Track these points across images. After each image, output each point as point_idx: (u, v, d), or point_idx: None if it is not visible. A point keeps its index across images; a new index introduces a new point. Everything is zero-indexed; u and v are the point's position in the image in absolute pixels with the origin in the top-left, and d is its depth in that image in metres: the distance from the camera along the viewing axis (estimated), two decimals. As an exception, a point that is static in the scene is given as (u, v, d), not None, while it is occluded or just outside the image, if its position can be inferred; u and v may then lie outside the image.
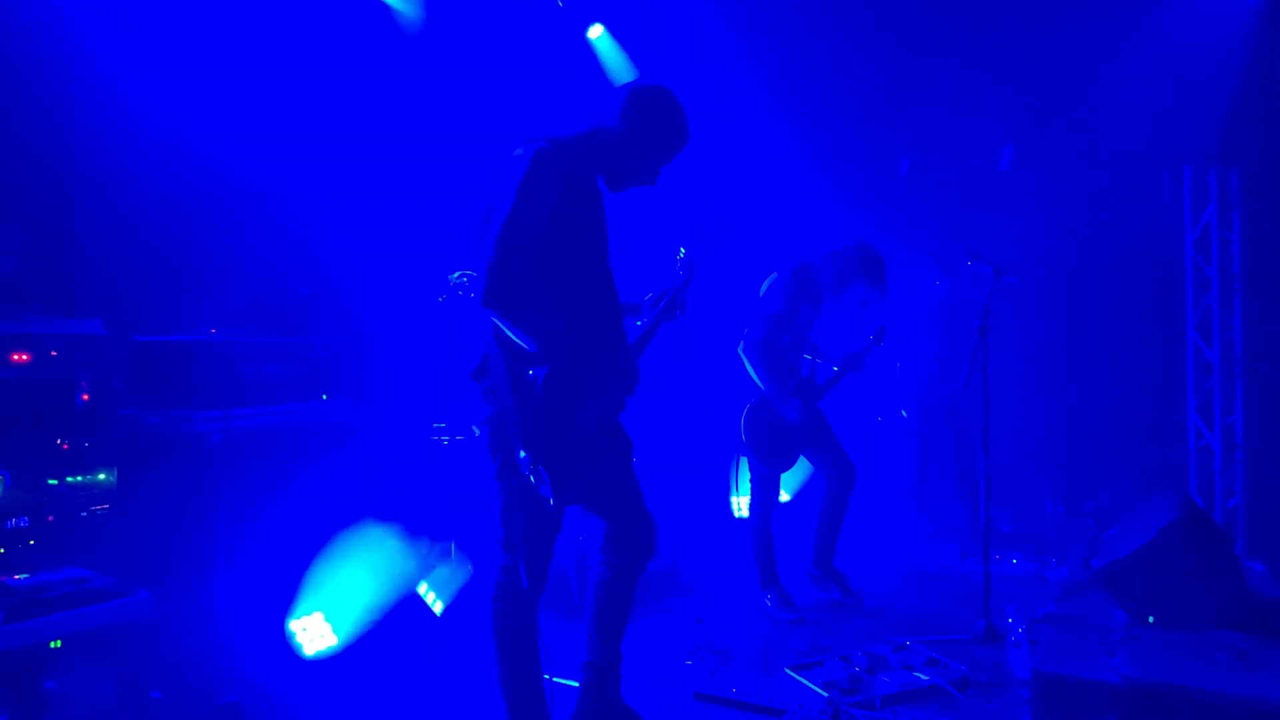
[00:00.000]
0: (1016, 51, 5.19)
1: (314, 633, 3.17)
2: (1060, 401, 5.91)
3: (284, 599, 3.18)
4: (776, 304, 3.80)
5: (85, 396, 3.27)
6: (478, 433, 4.05)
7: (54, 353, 3.18)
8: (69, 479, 3.17)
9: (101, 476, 3.24)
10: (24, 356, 3.05)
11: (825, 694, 2.84)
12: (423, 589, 3.60)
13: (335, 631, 3.23)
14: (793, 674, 3.09)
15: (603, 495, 2.39)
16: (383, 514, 3.68)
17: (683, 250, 2.67)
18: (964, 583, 4.32)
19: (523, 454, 2.13)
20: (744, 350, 3.81)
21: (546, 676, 2.37)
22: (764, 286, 3.89)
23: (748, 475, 3.94)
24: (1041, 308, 5.78)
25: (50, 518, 3.03)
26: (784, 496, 5.17)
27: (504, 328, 2.17)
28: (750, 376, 3.80)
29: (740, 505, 5.37)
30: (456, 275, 4.14)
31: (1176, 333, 5.50)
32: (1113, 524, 4.52)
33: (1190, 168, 5.36)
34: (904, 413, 5.54)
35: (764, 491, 3.88)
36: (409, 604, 3.54)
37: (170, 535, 2.95)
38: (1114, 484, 5.56)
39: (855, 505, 4.11)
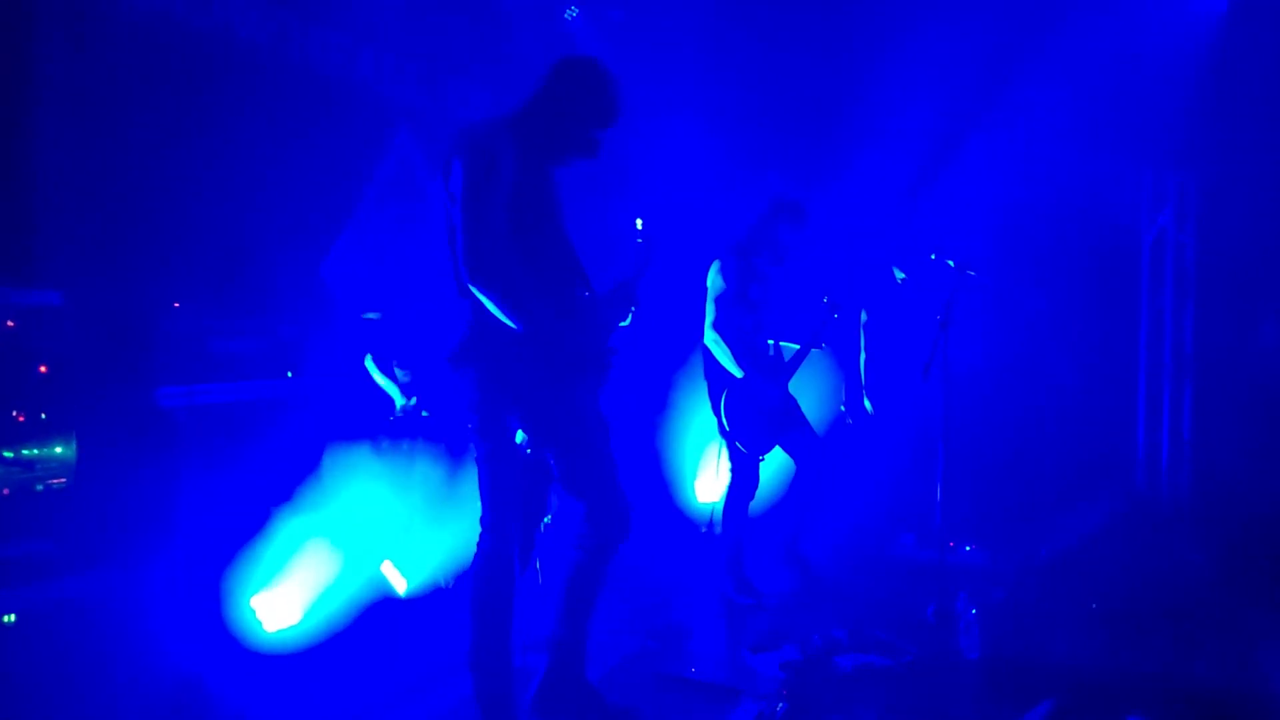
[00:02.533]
0: (985, 53, 5.28)
1: (275, 608, 3.16)
2: (1016, 394, 6.06)
3: (244, 575, 3.16)
4: (724, 286, 3.85)
5: (43, 368, 3.23)
6: (426, 414, 4.08)
7: (10, 323, 3.13)
8: (24, 451, 3.13)
9: (59, 449, 3.20)
10: (-21, 326, 2.99)
11: (783, 675, 2.91)
12: (387, 567, 3.61)
13: (298, 607, 3.23)
14: (751, 655, 3.16)
15: (587, 474, 2.41)
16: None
17: (640, 222, 2.69)
18: (919, 568, 4.44)
19: (524, 433, 2.16)
20: (708, 339, 3.86)
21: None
22: (710, 274, 3.94)
23: (726, 461, 3.98)
24: (1001, 303, 5.92)
25: (4, 491, 2.99)
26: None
27: (490, 304, 2.18)
28: (723, 364, 3.85)
29: (703, 491, 5.45)
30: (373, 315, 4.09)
31: (1130, 331, 5.67)
32: (1062, 514, 4.66)
33: (1150, 172, 5.51)
34: (868, 405, 5.62)
35: (742, 476, 3.94)
36: (373, 575, 3.55)
37: (132, 510, 2.92)
38: (1066, 475, 5.72)
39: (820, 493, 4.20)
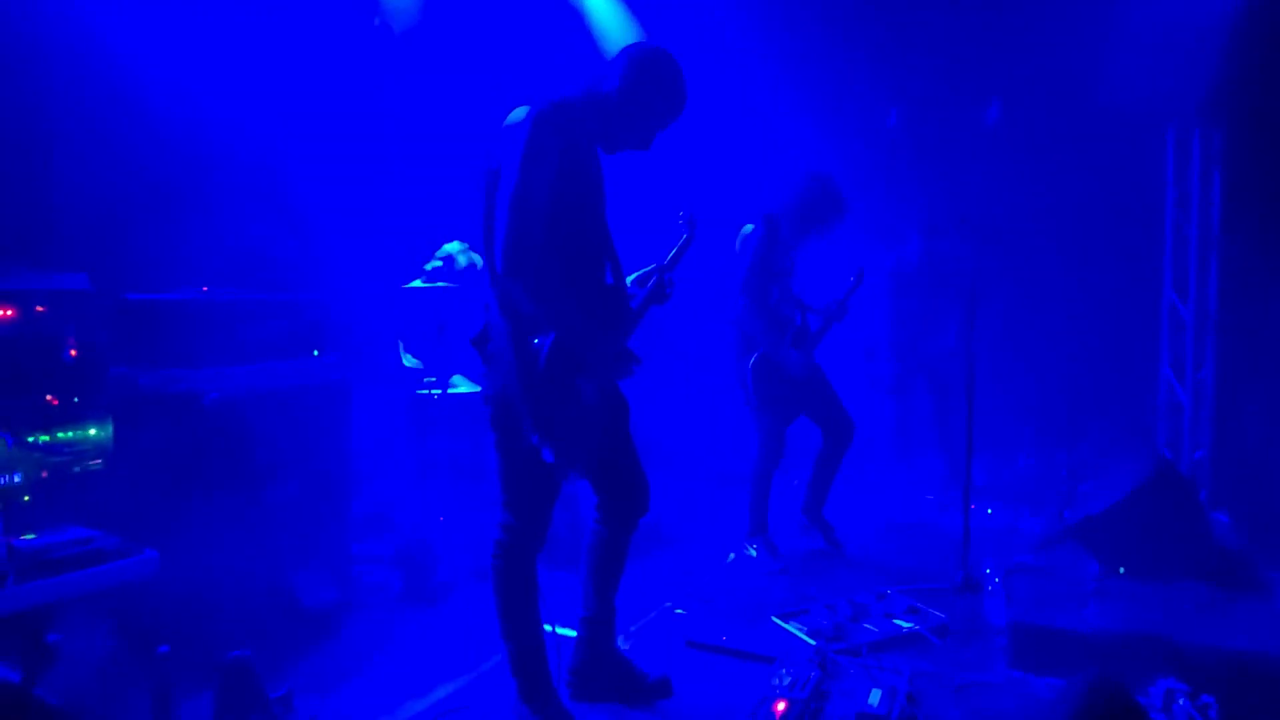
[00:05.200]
0: (1008, 6, 5.17)
1: (315, 584, 3.22)
2: (1035, 355, 6.04)
3: (284, 554, 3.22)
4: (752, 256, 3.84)
5: (73, 352, 3.25)
6: (462, 385, 4.11)
7: (39, 308, 3.15)
8: (60, 435, 3.17)
9: (93, 432, 3.23)
10: (9, 312, 3.02)
11: (813, 642, 2.96)
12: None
13: (336, 580, 3.29)
14: (780, 622, 3.21)
15: (601, 459, 2.44)
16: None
17: (683, 212, 2.69)
18: (941, 533, 4.48)
19: (527, 421, 2.17)
20: (736, 307, 3.85)
21: (546, 627, 2.45)
22: (739, 242, 3.93)
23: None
24: (1022, 262, 5.86)
25: (44, 474, 3.03)
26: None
27: (517, 296, 2.18)
28: (750, 332, 3.85)
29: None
30: (454, 249, 4.13)
31: (1153, 290, 5.62)
32: (1084, 476, 4.67)
33: (1174, 128, 5.41)
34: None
35: (769, 444, 3.96)
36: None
37: (167, 493, 2.96)
38: (1086, 437, 5.72)
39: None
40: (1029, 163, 5.84)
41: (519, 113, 2.23)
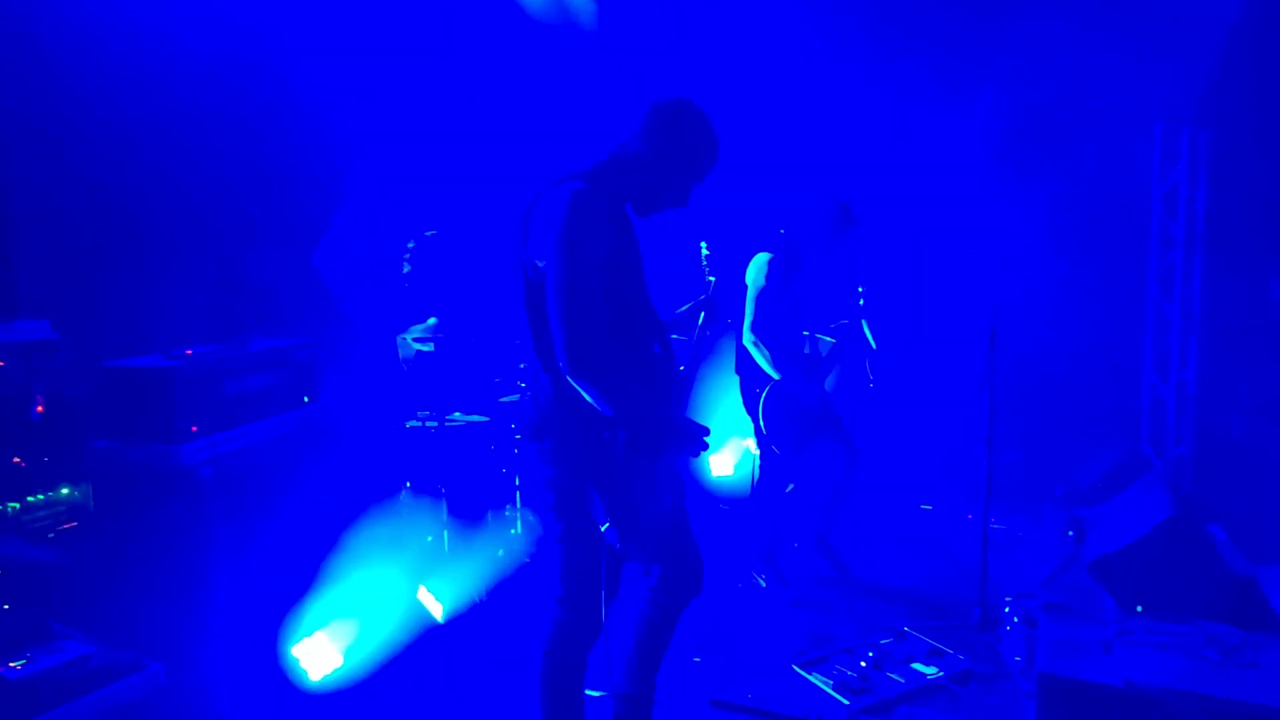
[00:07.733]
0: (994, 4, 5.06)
1: (318, 655, 3.07)
2: (1017, 350, 6.04)
3: (281, 618, 3.06)
4: (768, 283, 3.72)
5: (40, 409, 3.01)
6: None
7: (1, 363, 2.90)
8: (29, 499, 2.96)
9: (65, 492, 3.03)
10: (-32, 371, 2.78)
11: (846, 701, 2.92)
12: (423, 593, 3.53)
13: (340, 650, 3.14)
14: (802, 672, 3.16)
15: (663, 544, 2.32)
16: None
17: (705, 246, 2.56)
18: (946, 549, 4.49)
19: (600, 514, 2.05)
20: (746, 339, 3.74)
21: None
22: (751, 269, 3.79)
23: (757, 456, 3.93)
24: (1010, 258, 5.82)
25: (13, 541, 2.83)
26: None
27: (583, 393, 2.03)
28: (761, 367, 3.74)
29: (718, 466, 5.40)
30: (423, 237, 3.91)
31: (1136, 287, 5.65)
32: (1071, 477, 4.67)
33: (1162, 126, 5.39)
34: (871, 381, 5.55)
35: (778, 476, 3.89)
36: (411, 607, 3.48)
37: (160, 575, 2.77)
38: (1070, 432, 5.77)
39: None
40: (1017, 158, 5.78)
41: (555, 188, 2.05)
